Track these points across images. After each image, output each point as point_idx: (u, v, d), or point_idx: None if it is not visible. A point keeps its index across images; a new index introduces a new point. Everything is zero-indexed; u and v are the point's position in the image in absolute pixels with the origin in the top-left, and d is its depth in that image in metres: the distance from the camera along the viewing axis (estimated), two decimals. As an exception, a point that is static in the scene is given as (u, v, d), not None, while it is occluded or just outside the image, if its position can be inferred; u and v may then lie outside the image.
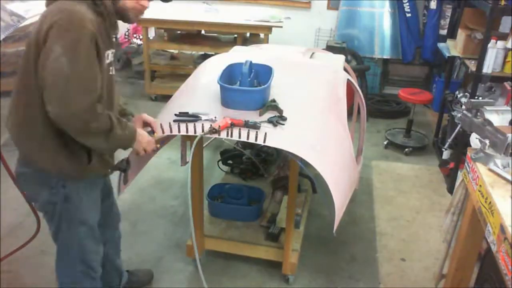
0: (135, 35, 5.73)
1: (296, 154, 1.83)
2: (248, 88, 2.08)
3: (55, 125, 1.54)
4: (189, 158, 2.73)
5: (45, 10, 1.54)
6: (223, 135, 1.87)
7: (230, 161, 3.30)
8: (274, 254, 2.54)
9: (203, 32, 5.15)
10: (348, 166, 2.14)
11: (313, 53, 3.10)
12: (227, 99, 2.06)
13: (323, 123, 2.14)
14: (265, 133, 1.84)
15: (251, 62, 2.12)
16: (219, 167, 3.33)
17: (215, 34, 5.01)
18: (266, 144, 1.84)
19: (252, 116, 1.97)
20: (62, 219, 1.78)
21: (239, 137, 1.85)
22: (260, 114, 2.00)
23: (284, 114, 1.99)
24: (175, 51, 5.36)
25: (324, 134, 2.09)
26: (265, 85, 2.06)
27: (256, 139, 1.83)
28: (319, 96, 2.32)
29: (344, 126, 2.25)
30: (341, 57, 3.15)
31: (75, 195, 1.74)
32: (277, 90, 2.16)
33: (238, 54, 2.81)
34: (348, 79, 2.63)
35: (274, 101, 2.05)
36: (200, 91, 2.27)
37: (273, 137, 1.86)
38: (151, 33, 5.22)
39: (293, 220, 2.43)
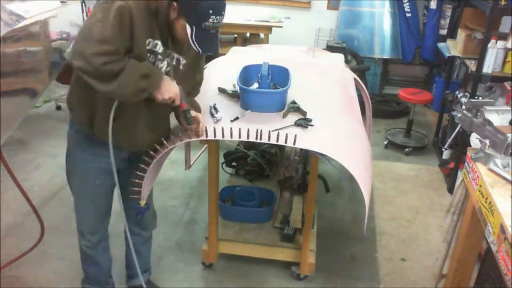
0: (135, 35, 5.73)
1: (335, 158, 1.80)
2: (270, 90, 2.05)
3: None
4: (192, 161, 2.73)
5: None
6: (251, 138, 1.83)
7: (234, 163, 3.27)
8: (291, 255, 2.53)
9: (203, 32, 5.15)
10: (369, 165, 2.14)
11: (313, 53, 3.10)
12: (248, 102, 2.01)
13: (346, 123, 2.13)
14: (295, 135, 1.81)
15: (268, 63, 2.10)
16: (223, 169, 3.32)
17: (215, 34, 5.00)
18: (300, 146, 1.82)
19: (275, 118, 1.95)
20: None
21: (269, 139, 1.82)
22: (284, 116, 1.97)
23: (307, 113, 1.98)
24: (175, 51, 5.35)
25: (350, 134, 2.08)
26: (286, 87, 2.02)
27: (294, 142, 1.80)
28: (334, 96, 2.31)
29: (361, 125, 2.24)
30: (341, 56, 3.14)
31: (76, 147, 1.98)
32: (292, 91, 2.13)
33: (241, 56, 2.78)
34: (354, 78, 2.64)
35: (294, 102, 2.02)
36: (215, 95, 2.21)
37: (306, 140, 1.84)
38: (151, 33, 5.21)
39: (311, 220, 2.42)
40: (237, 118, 1.95)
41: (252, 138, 1.82)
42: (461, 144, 3.27)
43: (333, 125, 2.04)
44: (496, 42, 3.10)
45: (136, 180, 1.86)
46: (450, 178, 3.54)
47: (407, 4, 5.08)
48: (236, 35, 4.81)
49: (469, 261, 2.05)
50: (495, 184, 1.68)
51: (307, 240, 2.43)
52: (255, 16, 4.60)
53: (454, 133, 2.50)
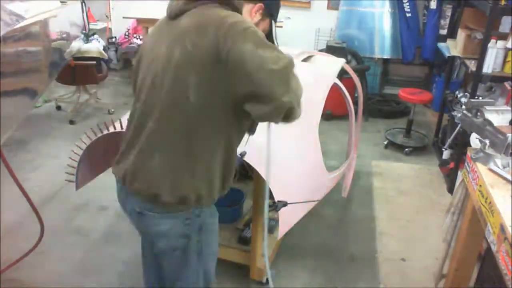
0: (135, 35, 5.73)
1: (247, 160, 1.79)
2: None
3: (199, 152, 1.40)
4: None
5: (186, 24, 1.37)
6: None
7: None
8: (244, 258, 2.48)
9: (203, 32, 5.15)
10: (308, 172, 2.10)
11: (311, 56, 3.08)
12: None
13: (284, 129, 2.10)
14: None
15: None
16: None
17: (215, 34, 5.01)
18: None
19: None
20: (193, 252, 1.58)
21: None
22: None
23: None
24: (175, 51, 5.35)
25: (282, 139, 2.03)
26: None
27: None
28: None
29: (312, 131, 2.21)
30: (340, 60, 3.12)
31: (208, 222, 1.58)
32: None
33: None
34: (335, 83, 2.61)
35: None
36: None
37: None
38: (151, 33, 5.21)
39: (261, 224, 2.36)
40: None
41: None
42: (461, 144, 3.27)
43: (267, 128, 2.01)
44: (496, 42, 3.09)
45: (71, 158, 1.82)
46: (450, 178, 3.54)
47: (407, 4, 5.08)
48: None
49: (469, 261, 2.05)
50: (495, 184, 1.68)
51: (257, 245, 2.38)
52: (255, 16, 4.59)
53: (454, 133, 2.51)
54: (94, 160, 2.10)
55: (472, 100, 2.06)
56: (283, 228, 1.85)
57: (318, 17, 5.43)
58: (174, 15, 1.42)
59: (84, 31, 4.54)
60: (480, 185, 1.74)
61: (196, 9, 1.39)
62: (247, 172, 3.15)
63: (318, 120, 2.29)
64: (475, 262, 2.08)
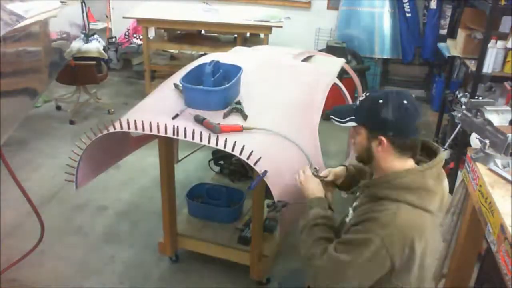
0: (135, 35, 5.74)
1: (242, 158, 1.79)
2: (206, 88, 2.01)
3: None
4: (181, 157, 2.69)
5: None
6: (169, 133, 1.82)
7: (221, 162, 3.27)
8: (245, 258, 2.48)
9: (203, 32, 5.15)
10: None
11: (310, 56, 3.08)
12: (188, 99, 2.02)
13: (285, 129, 2.07)
14: (209, 134, 1.80)
15: (217, 62, 2.09)
16: (210, 167, 3.32)
17: (215, 34, 5.01)
18: (211, 145, 1.80)
19: (215, 117, 1.92)
20: None
21: (185, 136, 1.80)
22: (224, 117, 1.94)
23: (248, 116, 1.95)
24: (175, 51, 5.36)
25: (283, 140, 2.01)
26: (225, 86, 2.01)
27: (201, 140, 1.80)
28: (289, 99, 2.28)
29: (312, 130, 2.20)
30: (340, 60, 3.12)
31: None
32: (248, 90, 2.13)
33: (220, 55, 2.73)
34: (335, 83, 2.61)
35: (239, 103, 2.01)
36: (170, 91, 2.23)
37: (222, 140, 1.83)
38: (151, 33, 5.22)
39: (260, 224, 2.37)
40: (177, 115, 1.93)
41: (169, 134, 1.82)
42: (461, 144, 3.27)
43: (269, 129, 1.98)
44: (496, 42, 3.09)
45: (71, 158, 1.83)
46: (450, 178, 3.53)
47: (407, 4, 5.08)
48: (236, 35, 4.81)
49: (469, 261, 2.05)
50: (495, 184, 1.68)
51: (256, 245, 2.38)
52: (255, 16, 4.60)
53: (454, 133, 2.51)
54: (94, 160, 2.10)
55: (472, 100, 2.06)
56: (283, 228, 1.85)
57: (318, 17, 5.43)
58: None
59: (84, 31, 4.54)
60: (480, 185, 1.74)
61: None
62: (247, 172, 3.15)
63: (318, 120, 2.29)
64: (475, 262, 2.08)
